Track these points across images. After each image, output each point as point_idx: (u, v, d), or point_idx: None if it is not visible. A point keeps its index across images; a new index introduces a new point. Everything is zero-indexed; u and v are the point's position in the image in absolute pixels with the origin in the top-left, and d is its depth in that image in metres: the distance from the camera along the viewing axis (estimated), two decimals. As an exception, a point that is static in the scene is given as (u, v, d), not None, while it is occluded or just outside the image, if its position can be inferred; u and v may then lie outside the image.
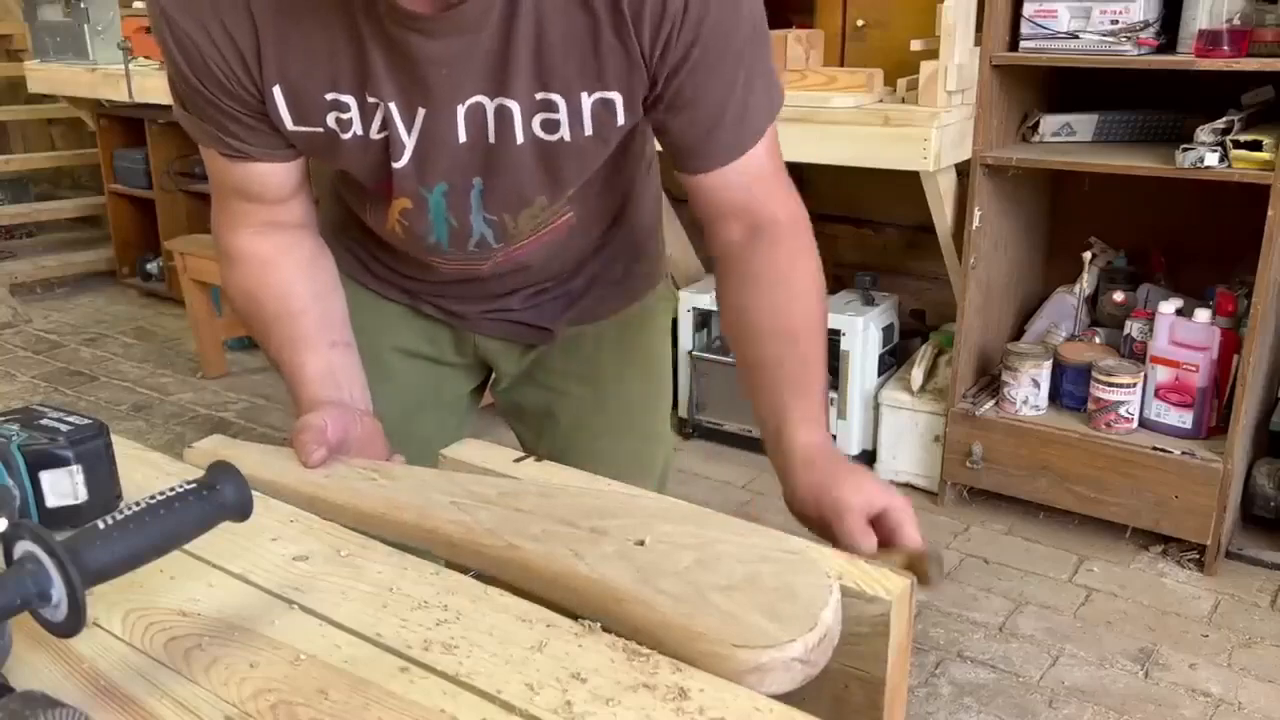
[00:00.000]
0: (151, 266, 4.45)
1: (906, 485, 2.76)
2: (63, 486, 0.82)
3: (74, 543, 0.60)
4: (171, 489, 0.65)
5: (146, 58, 3.85)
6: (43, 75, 4.27)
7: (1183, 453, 2.31)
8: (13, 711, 0.55)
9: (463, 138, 0.94)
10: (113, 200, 4.48)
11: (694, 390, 2.98)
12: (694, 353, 2.94)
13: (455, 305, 1.19)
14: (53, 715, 0.55)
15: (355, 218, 1.13)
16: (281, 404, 3.39)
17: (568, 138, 0.95)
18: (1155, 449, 2.33)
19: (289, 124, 0.93)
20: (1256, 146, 2.06)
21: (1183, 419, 2.35)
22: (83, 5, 3.99)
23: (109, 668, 0.66)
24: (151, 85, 3.78)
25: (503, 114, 0.93)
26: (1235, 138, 2.08)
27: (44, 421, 0.85)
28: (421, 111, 0.92)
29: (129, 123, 4.27)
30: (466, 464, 0.95)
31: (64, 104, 4.53)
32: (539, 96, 0.92)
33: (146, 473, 0.92)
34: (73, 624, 0.59)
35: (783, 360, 0.98)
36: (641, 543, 0.74)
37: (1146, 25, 2.17)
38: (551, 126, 0.94)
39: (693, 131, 0.96)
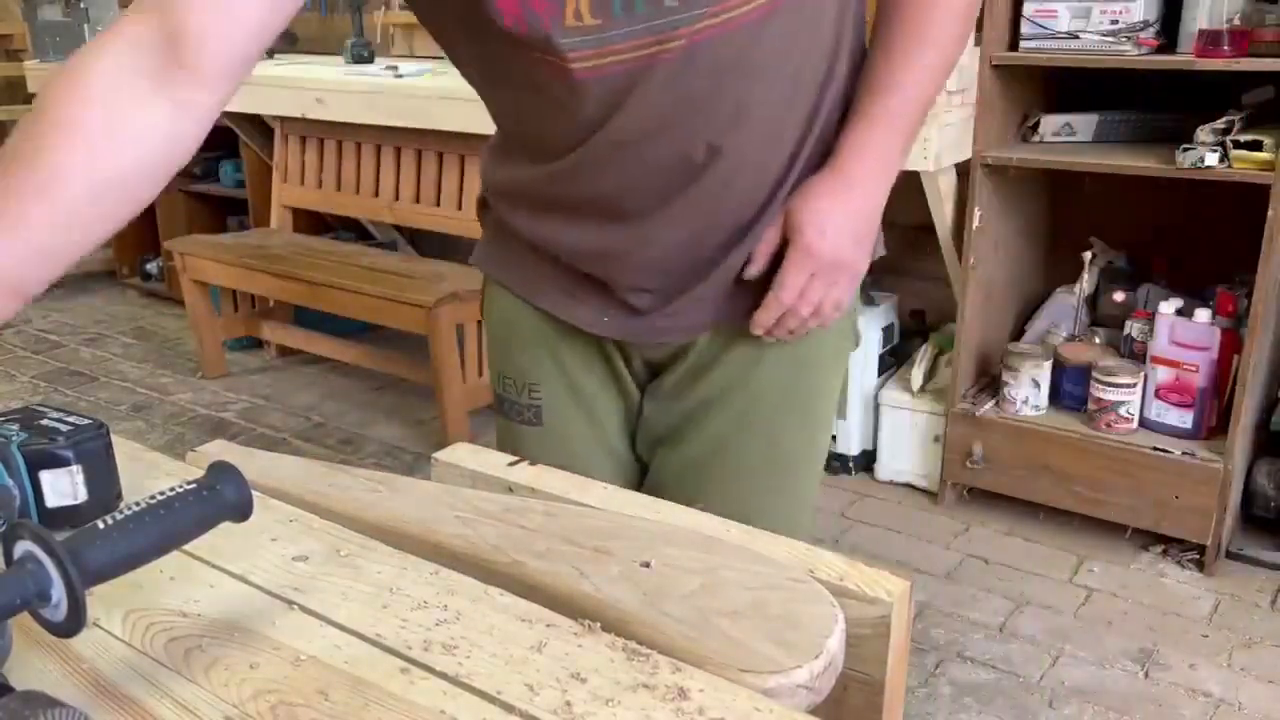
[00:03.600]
0: (151, 266, 4.45)
1: (907, 485, 2.76)
2: (63, 486, 0.82)
3: (74, 543, 0.60)
4: (171, 489, 0.65)
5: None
6: (43, 75, 4.27)
7: (1183, 453, 2.31)
8: (13, 711, 0.55)
9: None
10: (113, 200, 4.47)
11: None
12: (694, 353, 2.93)
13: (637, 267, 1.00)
14: (53, 715, 0.55)
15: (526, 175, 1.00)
16: (281, 405, 3.40)
17: None
18: (1155, 449, 2.33)
19: None
20: (1256, 146, 2.06)
21: (1183, 419, 2.35)
22: (83, 5, 4.00)
23: (109, 668, 0.66)
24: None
25: None
26: (1235, 138, 2.08)
27: (44, 422, 0.85)
28: None
29: (129, 123, 4.26)
30: (459, 467, 0.95)
31: (64, 104, 4.53)
32: None
33: (146, 473, 0.92)
34: (73, 624, 0.59)
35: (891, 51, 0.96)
36: (647, 565, 0.74)
37: (1146, 25, 2.17)
38: None
39: None
